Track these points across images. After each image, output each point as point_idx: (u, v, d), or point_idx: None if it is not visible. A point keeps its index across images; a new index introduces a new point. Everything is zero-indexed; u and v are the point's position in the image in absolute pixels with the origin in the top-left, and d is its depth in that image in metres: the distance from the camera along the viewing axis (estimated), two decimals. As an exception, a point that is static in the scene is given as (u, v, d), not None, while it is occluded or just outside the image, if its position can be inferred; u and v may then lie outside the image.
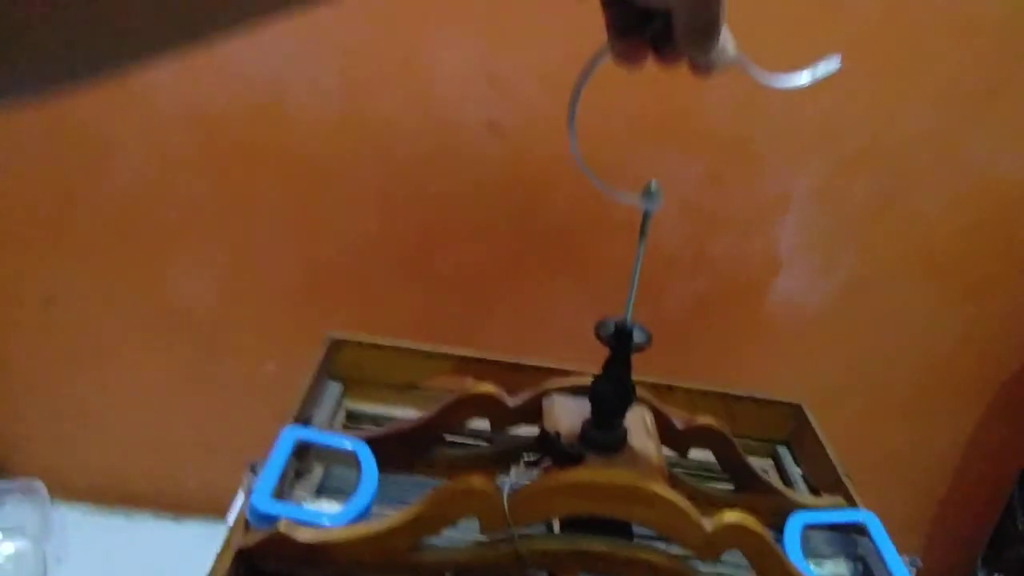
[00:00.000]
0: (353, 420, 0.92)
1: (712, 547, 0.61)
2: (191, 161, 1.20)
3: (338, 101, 1.16)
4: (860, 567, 0.74)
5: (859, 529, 0.75)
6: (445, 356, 0.92)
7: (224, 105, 1.16)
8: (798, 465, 0.92)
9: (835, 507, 0.76)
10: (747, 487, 0.75)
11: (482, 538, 0.62)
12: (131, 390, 1.37)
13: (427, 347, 0.92)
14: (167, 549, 1.29)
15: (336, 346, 0.92)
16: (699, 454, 0.75)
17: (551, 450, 0.63)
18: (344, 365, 0.93)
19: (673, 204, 1.18)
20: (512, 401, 0.72)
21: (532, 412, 0.71)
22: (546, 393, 0.71)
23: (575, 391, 0.70)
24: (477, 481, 0.59)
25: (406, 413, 0.93)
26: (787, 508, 0.74)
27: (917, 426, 1.32)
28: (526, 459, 0.62)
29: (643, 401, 0.72)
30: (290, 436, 0.71)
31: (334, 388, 0.93)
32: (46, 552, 1.13)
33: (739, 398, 0.93)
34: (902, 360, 1.28)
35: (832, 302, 1.24)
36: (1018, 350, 1.25)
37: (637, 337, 0.61)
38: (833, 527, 0.75)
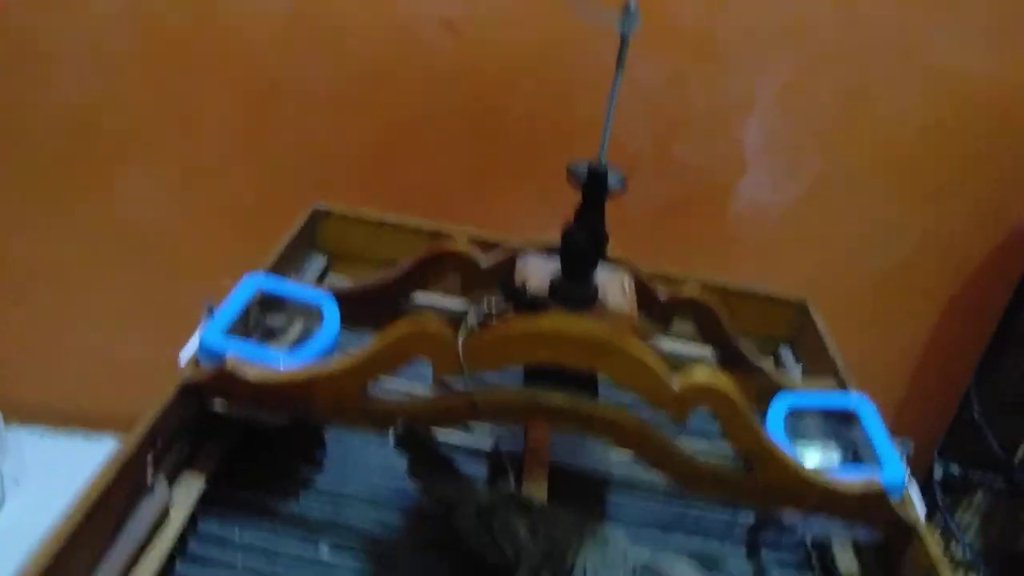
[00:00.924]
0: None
1: (680, 406, 0.57)
2: (132, 68, 1.13)
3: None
4: (850, 454, 0.69)
5: (849, 416, 0.70)
6: (433, 233, 0.88)
7: (163, 3, 1.09)
8: (799, 364, 0.87)
9: (824, 389, 0.71)
10: (733, 366, 0.70)
11: (435, 387, 0.59)
12: (83, 312, 1.32)
13: (413, 222, 0.88)
14: None
15: (319, 217, 0.89)
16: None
17: (514, 299, 0.59)
18: (329, 238, 0.90)
19: (636, 106, 1.13)
20: (484, 261, 0.68)
21: (506, 273, 0.68)
22: (520, 252, 0.67)
23: (551, 251, 0.66)
24: (431, 322, 0.56)
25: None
26: (775, 390, 0.69)
27: (878, 326, 1.31)
28: (486, 306, 0.58)
29: (625, 266, 0.67)
30: (251, 282, 0.68)
31: (318, 261, 0.90)
32: (3, 474, 1.10)
33: (741, 294, 0.88)
34: (864, 262, 1.27)
35: (796, 205, 1.22)
36: (977, 250, 1.24)
37: (612, 181, 0.57)
38: (823, 412, 0.70)
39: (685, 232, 1.25)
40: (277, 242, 0.81)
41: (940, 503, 1.14)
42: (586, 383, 0.60)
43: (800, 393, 0.70)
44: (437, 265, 0.68)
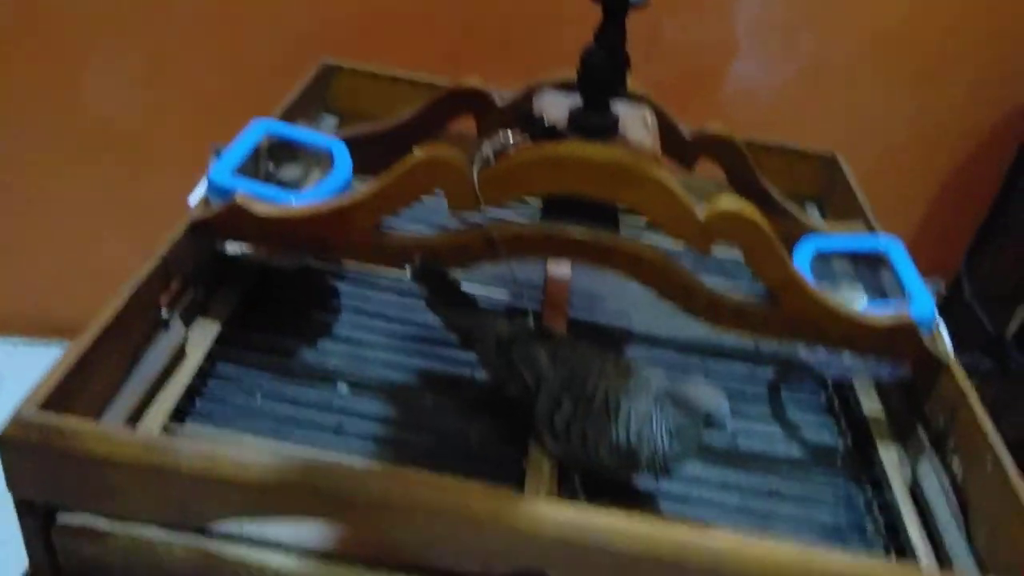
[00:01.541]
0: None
1: (706, 237, 0.55)
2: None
3: None
4: (878, 297, 0.67)
5: (877, 260, 0.68)
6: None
7: None
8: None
9: (856, 233, 0.69)
10: (760, 208, 0.68)
11: (451, 221, 0.57)
12: (51, 212, 1.22)
13: (426, 77, 0.85)
14: None
15: (329, 73, 0.86)
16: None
17: (531, 129, 0.57)
18: (339, 96, 0.87)
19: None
20: (500, 98, 0.65)
21: (522, 111, 0.65)
22: (537, 88, 0.64)
23: (570, 87, 0.63)
24: (444, 151, 0.54)
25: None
26: (802, 234, 0.67)
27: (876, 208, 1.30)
28: (502, 136, 0.56)
29: (647, 103, 0.64)
30: (259, 126, 0.65)
31: (329, 121, 0.87)
32: None
33: (766, 148, 0.85)
34: (855, 149, 1.19)
35: (789, 89, 1.16)
36: (969, 134, 1.19)
37: (634, -5, 0.53)
38: (850, 257, 0.68)
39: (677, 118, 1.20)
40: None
41: None
42: (606, 219, 0.58)
43: (827, 236, 0.67)
44: (452, 105, 0.66)
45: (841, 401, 0.68)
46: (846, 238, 0.68)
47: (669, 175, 0.53)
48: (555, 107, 0.60)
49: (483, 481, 0.52)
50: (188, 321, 0.60)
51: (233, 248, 0.62)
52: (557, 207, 0.58)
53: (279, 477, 0.41)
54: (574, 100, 0.61)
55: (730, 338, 0.71)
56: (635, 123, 0.60)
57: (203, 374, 0.57)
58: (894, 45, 1.14)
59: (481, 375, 0.62)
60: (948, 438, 0.58)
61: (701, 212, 0.54)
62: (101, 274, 1.31)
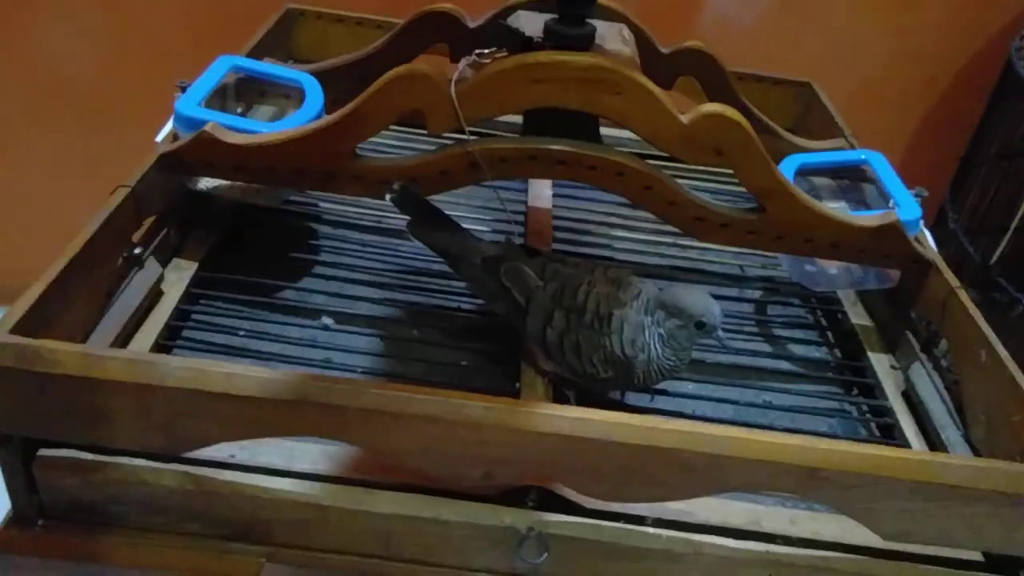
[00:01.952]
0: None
1: (689, 143, 0.54)
2: None
3: None
4: (862, 208, 0.67)
5: (859, 175, 0.68)
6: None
7: None
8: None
9: (840, 148, 0.68)
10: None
11: (430, 144, 0.56)
12: (12, 176, 1.19)
13: (396, 19, 0.83)
14: None
15: (293, 18, 0.83)
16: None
17: (510, 43, 0.55)
18: (304, 42, 0.85)
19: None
20: (473, 21, 0.63)
21: (496, 34, 0.63)
22: (510, 8, 0.62)
23: (543, 5, 0.62)
24: (421, 66, 0.52)
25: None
26: (784, 152, 0.67)
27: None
28: (477, 53, 0.55)
29: (625, 19, 0.63)
30: (225, 61, 0.63)
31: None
32: None
33: (741, 76, 0.83)
34: (836, 79, 1.10)
35: (768, 17, 1.14)
36: (951, 62, 1.16)
37: None
38: (833, 173, 0.67)
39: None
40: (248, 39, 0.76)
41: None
42: (588, 133, 0.57)
43: (810, 154, 0.67)
44: (424, 32, 0.64)
45: (828, 315, 0.68)
46: (828, 153, 0.67)
47: (649, 81, 0.52)
48: (531, 22, 0.58)
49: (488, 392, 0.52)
50: (163, 261, 0.58)
51: (205, 184, 0.60)
52: (537, 126, 0.56)
53: (271, 390, 0.39)
54: (549, 16, 0.59)
55: (715, 262, 0.71)
56: (613, 36, 0.59)
57: (180, 314, 0.56)
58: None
59: (467, 304, 0.61)
60: (938, 338, 0.59)
61: (685, 117, 0.53)
62: (66, 239, 1.28)
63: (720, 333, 0.49)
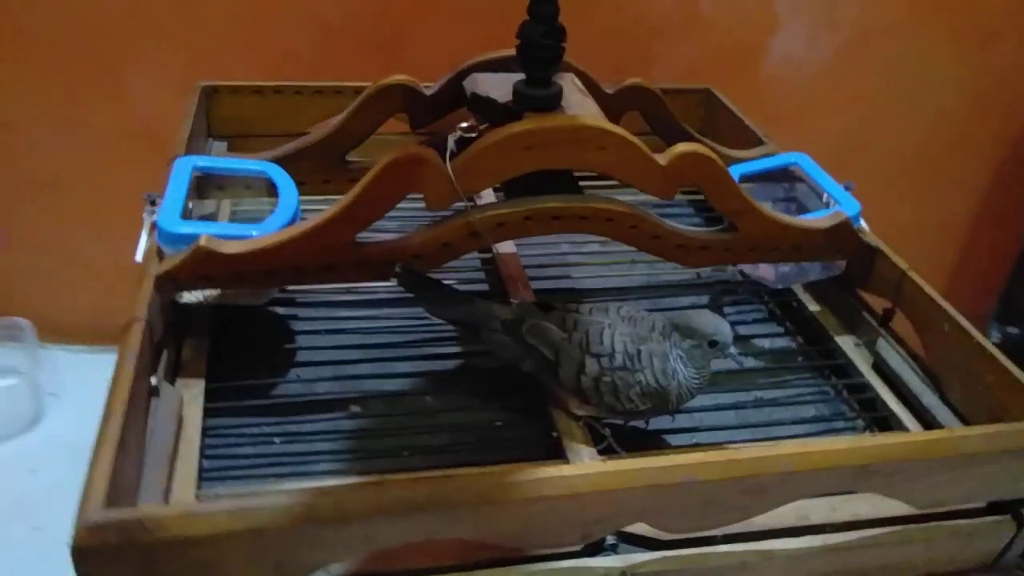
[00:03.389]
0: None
1: (669, 182, 0.58)
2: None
3: None
4: (793, 206, 0.74)
5: (789, 177, 0.75)
6: (337, 90, 0.83)
7: None
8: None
9: (770, 154, 0.75)
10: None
11: (426, 220, 0.57)
12: (99, 218, 1.14)
13: (315, 83, 0.82)
14: None
15: (210, 96, 0.81)
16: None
17: (486, 112, 0.58)
18: (225, 120, 0.82)
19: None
20: (429, 88, 0.65)
21: (452, 98, 0.65)
22: (465, 73, 0.64)
23: (496, 65, 0.64)
24: (416, 149, 0.53)
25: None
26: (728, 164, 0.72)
27: (925, 191, 1.22)
28: (461, 127, 0.56)
29: (567, 67, 0.66)
30: (185, 164, 0.62)
31: (219, 148, 0.83)
32: (41, 389, 1.08)
33: (645, 89, 0.89)
34: (909, 120, 1.16)
35: (834, 60, 1.11)
36: None
37: (561, -36, 0.55)
38: (768, 174, 0.74)
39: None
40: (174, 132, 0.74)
41: None
42: (569, 186, 0.60)
43: (748, 163, 0.73)
44: (381, 104, 0.64)
45: (783, 307, 0.74)
46: (763, 160, 0.74)
47: (627, 132, 0.56)
48: (495, 87, 0.61)
49: (525, 458, 0.54)
50: (171, 382, 0.56)
51: (191, 297, 0.58)
52: (518, 187, 0.59)
53: (384, 503, 0.40)
54: (506, 78, 0.62)
55: (673, 273, 0.76)
56: (571, 89, 0.62)
57: (208, 433, 0.54)
58: (950, 8, 1.07)
59: (474, 363, 0.63)
60: (893, 314, 0.66)
61: (662, 159, 0.57)
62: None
63: (733, 350, 0.54)
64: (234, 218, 0.66)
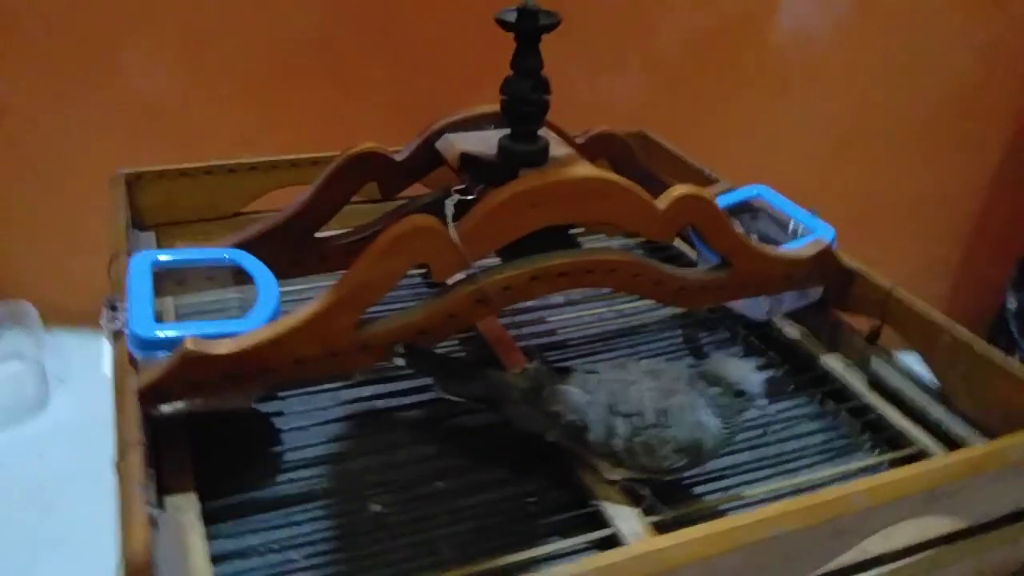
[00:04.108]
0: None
1: (668, 225, 0.57)
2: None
3: None
4: (755, 239, 0.75)
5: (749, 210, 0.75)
6: (273, 165, 0.78)
7: None
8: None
9: (728, 190, 0.75)
10: (651, 192, 0.71)
11: (429, 292, 0.53)
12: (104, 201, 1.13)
13: (249, 159, 0.77)
14: None
15: (133, 184, 0.74)
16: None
17: (478, 173, 0.55)
18: (151, 209, 0.75)
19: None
20: (399, 154, 0.61)
21: (424, 162, 0.62)
22: (436, 135, 0.61)
23: (467, 124, 0.62)
24: (421, 219, 0.50)
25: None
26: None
27: (939, 162, 1.16)
28: (456, 189, 0.53)
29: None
30: (143, 261, 0.55)
31: (147, 240, 0.75)
32: (47, 373, 1.09)
33: (614, 137, 0.87)
34: (922, 88, 1.10)
35: (844, 27, 1.05)
36: None
37: (544, 18, 0.53)
38: (731, 209, 0.74)
39: (725, 65, 1.06)
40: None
41: (1016, 335, 1.05)
42: (566, 241, 0.58)
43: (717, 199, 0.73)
44: (350, 175, 0.60)
45: (763, 337, 0.74)
46: (730, 194, 0.74)
47: (627, 180, 0.55)
48: (474, 145, 0.58)
49: (568, 530, 0.51)
50: (160, 504, 0.49)
51: (169, 408, 0.52)
52: (514, 250, 0.56)
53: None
54: (482, 136, 0.60)
55: (643, 313, 0.75)
56: (551, 140, 0.61)
57: (218, 560, 0.48)
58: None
59: (480, 434, 0.59)
60: (879, 331, 0.67)
61: (661, 203, 0.56)
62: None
63: (763, 401, 0.53)
64: (180, 315, 0.60)
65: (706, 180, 0.82)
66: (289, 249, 0.61)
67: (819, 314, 0.72)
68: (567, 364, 0.64)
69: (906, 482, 0.45)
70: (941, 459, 0.48)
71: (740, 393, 0.51)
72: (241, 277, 0.59)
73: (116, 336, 0.52)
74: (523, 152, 0.55)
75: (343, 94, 1.13)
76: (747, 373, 0.52)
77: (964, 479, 0.47)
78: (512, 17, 0.52)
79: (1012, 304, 1.07)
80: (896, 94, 1.10)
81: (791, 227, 0.72)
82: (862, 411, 0.65)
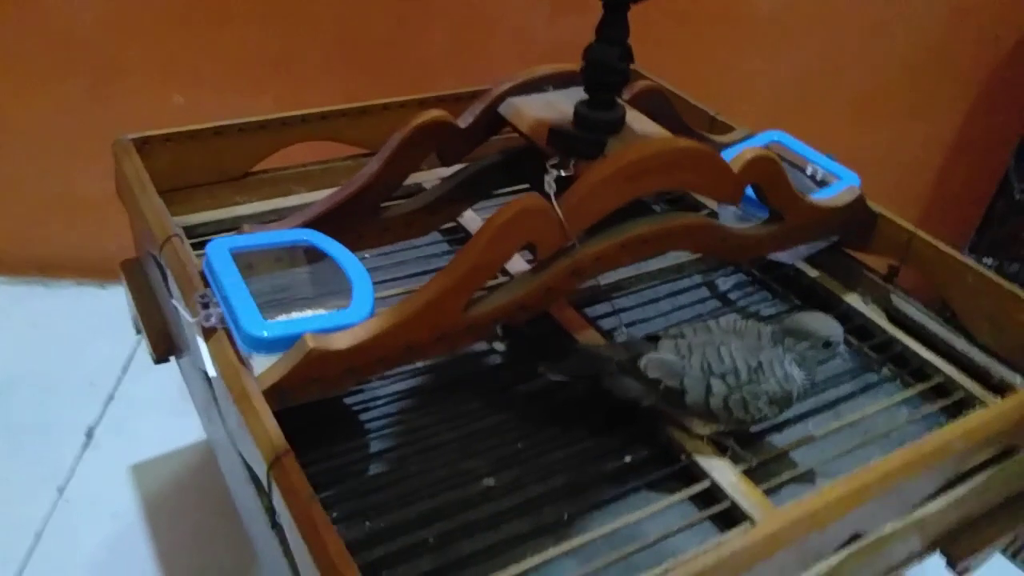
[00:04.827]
0: (198, 238, 0.71)
1: (739, 187, 0.59)
2: None
3: None
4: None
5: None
6: (283, 122, 0.74)
7: None
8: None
9: (749, 136, 0.78)
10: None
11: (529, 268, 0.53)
12: (24, 142, 1.10)
13: (258, 117, 0.73)
14: (94, 315, 1.15)
15: (139, 149, 0.69)
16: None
17: (569, 147, 0.54)
18: (161, 174, 0.70)
19: None
20: (462, 120, 0.60)
21: (486, 127, 0.61)
22: (499, 100, 0.60)
23: (527, 87, 0.60)
24: (530, 201, 0.49)
25: (260, 209, 0.75)
26: (719, 150, 0.74)
27: (908, 112, 1.15)
28: (551, 164, 0.53)
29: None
30: (221, 247, 0.52)
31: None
32: None
33: (656, 91, 0.85)
34: (893, 40, 1.09)
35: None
36: (1013, 24, 1.07)
37: (636, -16, 0.52)
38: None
39: (694, 20, 1.05)
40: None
41: None
42: (641, 207, 0.59)
43: (734, 147, 0.75)
44: (418, 145, 0.58)
45: (781, 279, 0.78)
46: (750, 140, 0.76)
47: (710, 148, 0.56)
48: (546, 112, 0.57)
49: (673, 484, 0.54)
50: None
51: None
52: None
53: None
54: (547, 100, 0.59)
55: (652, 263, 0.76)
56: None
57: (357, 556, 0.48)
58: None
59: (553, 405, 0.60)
60: (898, 271, 0.72)
61: (734, 166, 0.58)
62: (84, 208, 1.12)
63: (842, 348, 0.57)
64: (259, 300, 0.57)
65: (714, 124, 0.83)
66: (355, 224, 0.59)
67: (834, 255, 0.76)
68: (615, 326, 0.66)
69: (989, 424, 0.50)
70: (1011, 400, 0.53)
71: (828, 344, 0.55)
72: (308, 255, 0.57)
73: (209, 335, 0.49)
74: (605, 120, 0.55)
75: (284, 32, 1.05)
76: (831, 325, 0.55)
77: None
78: (603, -15, 0.51)
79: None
80: (868, 48, 1.11)
81: (809, 171, 0.75)
82: (887, 345, 0.70)
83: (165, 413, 0.93)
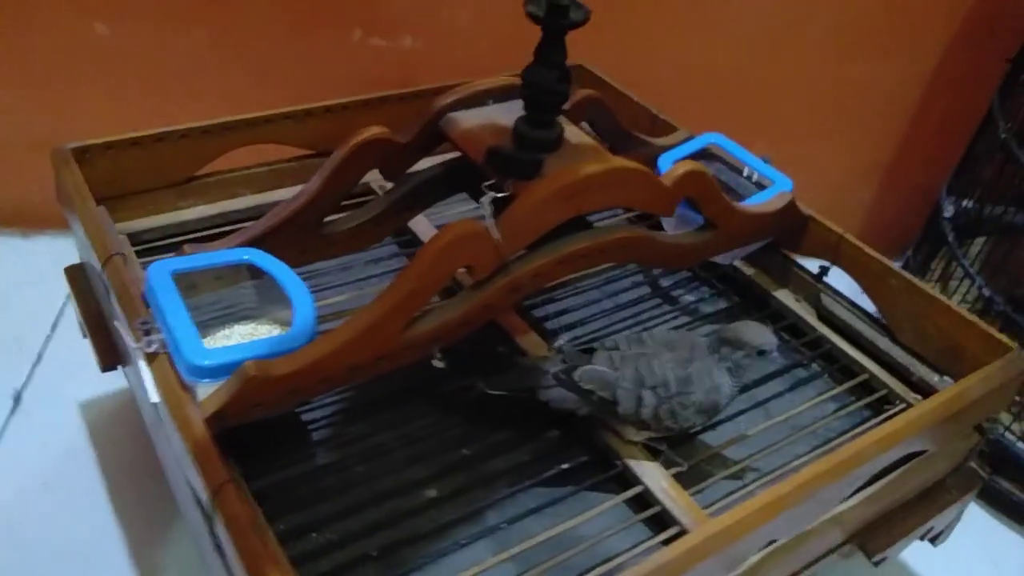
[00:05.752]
0: (143, 245, 0.71)
1: (673, 201, 0.61)
2: None
3: None
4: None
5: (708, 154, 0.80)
6: (226, 126, 0.73)
7: None
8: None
9: (686, 140, 0.79)
10: (624, 149, 0.74)
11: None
12: None
13: (201, 123, 0.72)
14: (17, 268, 1.06)
15: (80, 158, 0.68)
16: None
17: (507, 168, 0.56)
18: (100, 183, 0.70)
19: None
20: (403, 136, 0.60)
21: (427, 143, 0.62)
22: (439, 114, 0.60)
23: (468, 101, 0.61)
24: (466, 227, 0.51)
25: (205, 212, 0.75)
26: (657, 155, 0.76)
27: (882, 54, 1.09)
28: (486, 186, 0.54)
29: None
30: (162, 271, 0.53)
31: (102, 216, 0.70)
32: None
33: (596, 100, 0.86)
34: None
35: None
36: None
37: (573, 13, 0.53)
38: (692, 156, 0.79)
39: None
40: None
41: (950, 242, 0.97)
42: (580, 222, 0.61)
43: (676, 149, 0.77)
44: (358, 162, 0.59)
45: (719, 278, 0.80)
46: (686, 144, 0.78)
47: (643, 166, 0.58)
48: (485, 130, 0.58)
49: (610, 487, 0.56)
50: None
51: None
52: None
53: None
54: (487, 115, 0.60)
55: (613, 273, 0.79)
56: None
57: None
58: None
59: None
60: (827, 271, 0.75)
61: (666, 181, 0.60)
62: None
63: (775, 354, 0.59)
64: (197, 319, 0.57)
65: (655, 123, 0.85)
66: (297, 240, 0.60)
67: (769, 254, 0.78)
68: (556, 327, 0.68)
69: (904, 429, 0.54)
70: (951, 390, 0.56)
71: (762, 353, 0.58)
72: (251, 271, 0.57)
73: (151, 360, 0.50)
74: (543, 139, 0.57)
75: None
76: (765, 334, 0.58)
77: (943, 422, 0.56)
78: (541, 12, 0.52)
79: (948, 211, 1.01)
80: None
81: (746, 173, 0.78)
82: (816, 343, 0.73)
83: (98, 375, 0.78)
